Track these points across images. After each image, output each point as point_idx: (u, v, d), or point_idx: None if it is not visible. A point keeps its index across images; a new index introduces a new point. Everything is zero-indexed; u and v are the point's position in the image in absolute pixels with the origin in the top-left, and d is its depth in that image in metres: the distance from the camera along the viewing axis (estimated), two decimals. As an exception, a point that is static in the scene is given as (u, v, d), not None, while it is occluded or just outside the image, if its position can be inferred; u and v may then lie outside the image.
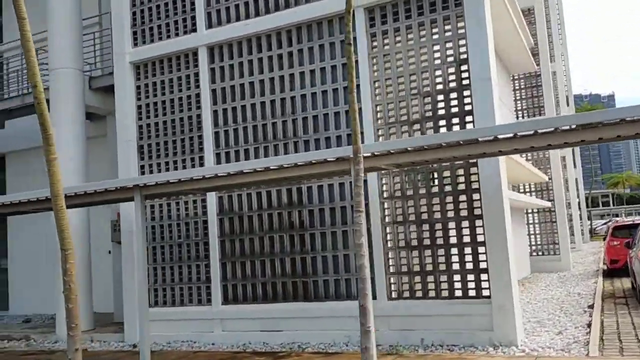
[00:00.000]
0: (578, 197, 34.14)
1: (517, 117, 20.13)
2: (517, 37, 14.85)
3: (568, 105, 33.55)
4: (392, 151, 6.02)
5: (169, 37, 10.61)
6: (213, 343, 9.52)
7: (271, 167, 7.08)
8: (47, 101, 12.06)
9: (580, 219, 35.72)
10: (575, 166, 31.92)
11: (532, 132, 6.05)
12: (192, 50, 10.33)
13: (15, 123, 14.97)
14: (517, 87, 20.41)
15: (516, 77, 20.32)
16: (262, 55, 9.73)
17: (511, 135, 6.13)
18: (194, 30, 10.34)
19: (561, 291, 13.12)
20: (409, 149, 5.88)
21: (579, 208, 34.97)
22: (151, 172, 10.52)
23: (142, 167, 10.61)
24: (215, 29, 10.12)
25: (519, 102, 20.38)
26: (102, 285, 12.89)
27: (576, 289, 13.36)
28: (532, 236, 20.00)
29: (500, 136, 6.17)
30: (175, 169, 10.32)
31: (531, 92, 20.32)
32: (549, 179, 19.21)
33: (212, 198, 9.92)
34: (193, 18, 10.37)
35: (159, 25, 10.71)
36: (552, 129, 5.89)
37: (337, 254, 8.91)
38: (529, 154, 18.61)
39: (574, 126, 5.75)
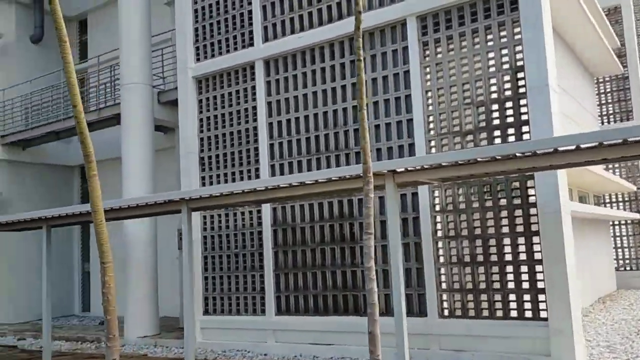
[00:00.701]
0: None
1: (602, 123, 18.85)
2: (597, 38, 13.91)
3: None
4: (426, 166, 5.79)
5: (228, 51, 10.88)
6: (266, 354, 9.60)
7: (307, 182, 7.00)
8: (118, 115, 12.80)
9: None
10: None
11: (595, 144, 5.51)
12: (249, 64, 10.54)
13: (93, 136, 15.98)
14: (602, 91, 19.12)
15: (600, 81, 19.04)
16: (316, 67, 9.75)
17: (573, 147, 5.58)
18: (252, 45, 10.54)
19: (644, 312, 12.07)
20: (445, 164, 5.63)
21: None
22: (211, 183, 10.83)
23: (203, 178, 10.95)
24: (270, 42, 10.26)
25: (604, 106, 19.07)
26: (171, 291, 13.40)
27: (662, 310, 12.25)
28: (620, 250, 18.59)
29: (560, 148, 5.66)
30: (234, 180, 10.55)
31: (618, 96, 18.96)
32: (638, 188, 17.81)
33: (266, 209, 10.04)
34: (250, 32, 10.58)
35: (219, 41, 11.02)
36: (620, 140, 5.31)
37: (387, 269, 8.71)
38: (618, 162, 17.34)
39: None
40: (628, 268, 18.44)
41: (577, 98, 14.73)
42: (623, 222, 18.56)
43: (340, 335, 8.98)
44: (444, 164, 5.68)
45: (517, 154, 5.52)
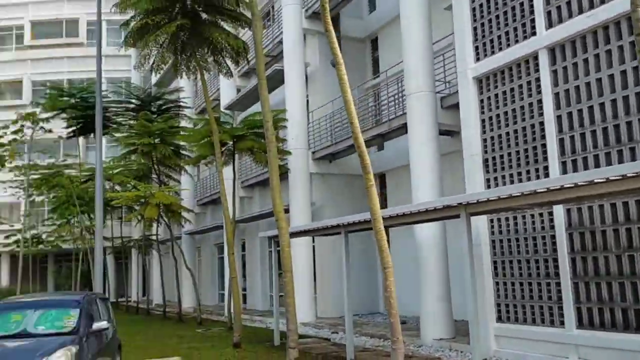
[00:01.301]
0: None
1: None
2: None
3: None
4: None
5: (508, 45, 10.33)
6: (566, 370, 8.72)
7: (628, 175, 6.07)
8: (405, 124, 13.35)
9: None
10: None
11: None
12: (532, 56, 9.81)
13: (391, 145, 17.02)
14: None
15: None
16: (611, 47, 8.51)
17: None
18: (534, 34, 9.79)
19: None
20: None
21: None
22: (496, 185, 10.40)
23: (488, 180, 10.60)
24: (555, 27, 9.37)
25: None
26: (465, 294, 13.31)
27: None
28: None
29: None
30: (520, 181, 9.92)
31: None
32: None
33: (559, 211, 9.15)
34: (532, 21, 9.84)
35: (498, 36, 10.56)
36: None
37: None
38: None
39: None
40: None
41: None
42: None
43: (659, 359, 7.58)
44: None
45: None
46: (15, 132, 23.91)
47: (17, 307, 7.97)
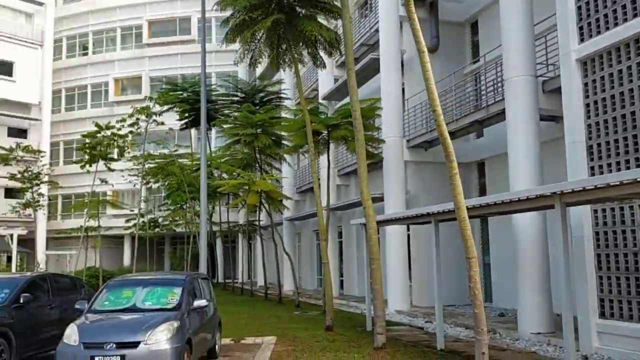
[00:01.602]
0: None
1: None
2: None
3: None
4: None
5: (616, 25, 9.64)
6: (676, 372, 8.11)
7: None
8: (504, 110, 12.91)
9: None
10: None
11: None
12: (641, 34, 9.09)
13: (491, 131, 16.46)
14: None
15: None
16: None
17: None
18: (644, 10, 9.06)
19: None
20: None
21: None
22: (601, 173, 9.78)
23: (592, 168, 9.99)
24: (669, 2, 8.61)
25: None
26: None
27: None
28: None
29: None
30: (627, 168, 9.28)
31: None
32: None
33: (671, 202, 8.47)
34: (643, -3, 9.11)
35: (605, 15, 9.88)
36: None
37: None
38: None
39: None
40: None
41: None
42: None
43: None
44: None
45: None
46: (131, 125, 25.91)
47: (128, 285, 8.79)
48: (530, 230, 11.59)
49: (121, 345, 7.10)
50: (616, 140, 9.54)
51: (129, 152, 27.50)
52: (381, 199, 18.00)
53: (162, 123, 26.66)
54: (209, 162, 29.87)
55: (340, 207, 22.40)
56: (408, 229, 17.69)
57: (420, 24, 18.82)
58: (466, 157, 18.48)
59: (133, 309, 8.10)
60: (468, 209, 6.93)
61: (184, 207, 31.66)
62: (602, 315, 9.75)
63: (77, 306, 8.57)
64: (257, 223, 26.52)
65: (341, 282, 24.89)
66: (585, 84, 10.27)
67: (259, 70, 29.38)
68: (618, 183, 6.24)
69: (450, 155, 6.02)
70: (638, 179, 5.95)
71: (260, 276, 32.85)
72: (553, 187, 7.30)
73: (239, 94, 28.40)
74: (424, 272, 17.59)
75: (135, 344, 7.13)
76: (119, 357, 7.02)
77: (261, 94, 27.28)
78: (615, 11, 9.65)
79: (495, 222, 16.88)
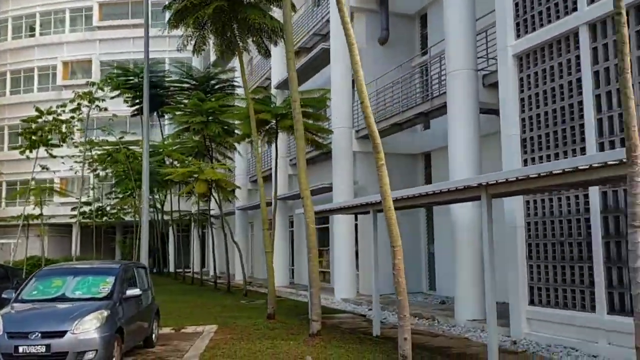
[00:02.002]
0: None
1: None
2: None
3: None
4: None
5: (549, 22, 9.96)
6: (595, 355, 8.53)
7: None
8: (445, 103, 13.15)
9: None
10: None
11: None
12: (572, 32, 9.43)
13: (437, 123, 16.76)
14: None
15: None
16: (654, 22, 8.06)
17: None
18: (575, 9, 9.40)
19: None
20: None
21: None
22: (534, 165, 10.13)
23: (525, 161, 10.34)
24: (598, 2, 8.95)
25: None
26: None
27: None
28: None
29: None
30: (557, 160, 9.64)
31: None
32: None
33: (594, 193, 8.85)
34: (574, -4, 9.44)
35: (539, 12, 10.18)
36: None
37: None
38: None
39: None
40: None
41: None
42: None
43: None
44: None
45: None
46: (73, 110, 25.13)
47: (58, 274, 8.61)
48: (466, 221, 11.92)
49: (46, 335, 6.96)
50: (547, 134, 9.89)
51: (72, 139, 26.69)
52: (330, 189, 18.12)
53: (106, 109, 25.91)
54: (160, 150, 29.40)
55: (291, 196, 22.44)
56: (356, 219, 17.88)
57: (371, 15, 19.20)
58: (413, 148, 18.80)
59: (63, 299, 7.94)
60: (398, 199, 7.10)
61: (134, 195, 31.09)
62: (532, 302, 10.14)
63: (4, 295, 8.36)
64: (208, 212, 26.30)
65: (292, 270, 24.99)
66: (521, 79, 10.58)
67: (213, 57, 29.00)
68: (536, 175, 6.49)
69: (378, 146, 6.13)
70: (554, 172, 6.20)
71: (213, 266, 32.71)
72: (478, 178, 7.53)
73: (191, 81, 27.97)
74: (371, 262, 17.85)
75: (61, 333, 7.00)
76: (44, 346, 6.88)
77: (213, 82, 26.95)
78: (549, 9, 9.96)
79: (439, 212, 17.25)
